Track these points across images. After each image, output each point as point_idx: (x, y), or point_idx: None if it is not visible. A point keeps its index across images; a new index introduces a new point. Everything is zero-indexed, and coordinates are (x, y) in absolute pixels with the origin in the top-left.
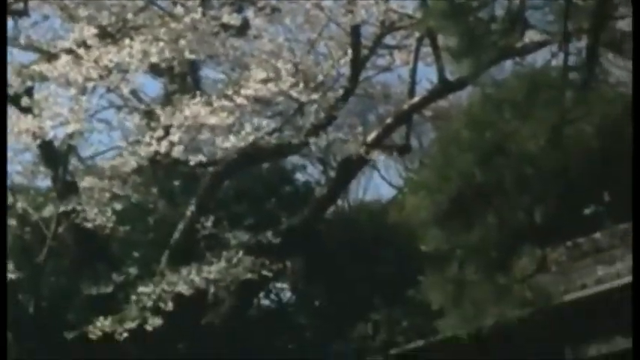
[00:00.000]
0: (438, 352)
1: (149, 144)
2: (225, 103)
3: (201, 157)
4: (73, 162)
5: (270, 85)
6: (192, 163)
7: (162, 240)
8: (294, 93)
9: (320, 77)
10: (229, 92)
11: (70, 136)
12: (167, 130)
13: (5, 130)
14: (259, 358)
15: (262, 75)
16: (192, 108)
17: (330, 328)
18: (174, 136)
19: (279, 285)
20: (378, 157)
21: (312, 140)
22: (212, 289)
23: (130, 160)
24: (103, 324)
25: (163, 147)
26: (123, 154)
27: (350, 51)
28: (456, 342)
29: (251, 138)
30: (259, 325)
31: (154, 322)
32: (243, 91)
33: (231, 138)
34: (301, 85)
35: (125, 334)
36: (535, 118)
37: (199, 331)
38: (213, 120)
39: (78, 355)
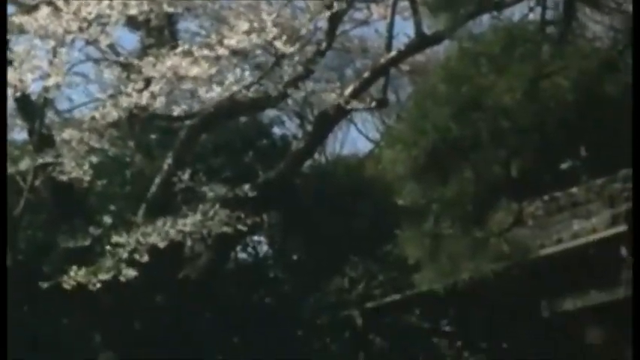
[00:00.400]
0: (414, 306)
1: (129, 95)
2: (207, 53)
3: (182, 109)
4: (50, 115)
5: (253, 36)
6: (174, 114)
7: (139, 193)
8: (277, 44)
9: (300, 30)
10: (212, 42)
11: (47, 89)
12: (147, 81)
13: (5, 130)
14: (236, 311)
15: (245, 26)
16: (174, 59)
17: (306, 282)
18: (155, 87)
19: (256, 239)
20: (355, 111)
21: (290, 91)
22: (188, 243)
23: (110, 111)
24: (77, 274)
25: (144, 99)
26: (102, 106)
27: (327, 4)
28: (432, 296)
29: (234, 88)
30: (236, 279)
31: (128, 273)
32: (225, 42)
33: (215, 88)
34: (284, 37)
35: (99, 285)
36: (512, 72)
37: (176, 284)
38: (194, 71)
39: (53, 305)
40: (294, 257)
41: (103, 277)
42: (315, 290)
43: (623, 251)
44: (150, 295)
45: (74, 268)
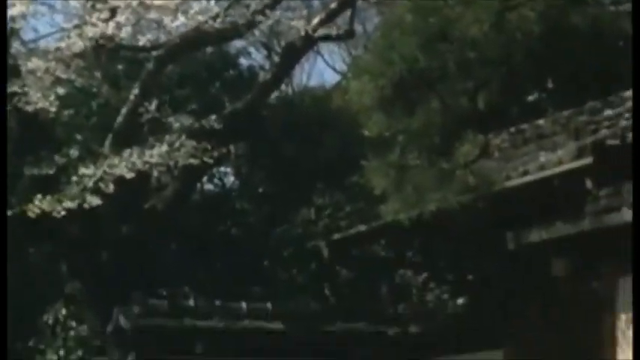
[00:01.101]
0: (380, 237)
1: (95, 25)
2: None
3: (149, 39)
4: (16, 45)
5: None
6: (140, 44)
7: (106, 124)
8: None
9: None
10: None
11: (13, 18)
12: (113, 11)
13: (5, 130)
14: (202, 243)
15: None
16: None
17: (273, 214)
18: (121, 17)
19: (222, 170)
20: (322, 42)
21: (258, 19)
22: (155, 174)
23: (76, 41)
24: (41, 202)
25: (110, 29)
26: (68, 37)
27: None
28: (397, 227)
29: (200, 18)
30: (202, 210)
31: (93, 201)
32: None
33: (181, 17)
34: None
35: (64, 213)
36: (479, 4)
37: (142, 215)
38: (160, 0)
39: (18, 233)
40: (261, 189)
41: (68, 205)
42: (282, 222)
43: (589, 183)
44: (116, 225)
45: (39, 196)
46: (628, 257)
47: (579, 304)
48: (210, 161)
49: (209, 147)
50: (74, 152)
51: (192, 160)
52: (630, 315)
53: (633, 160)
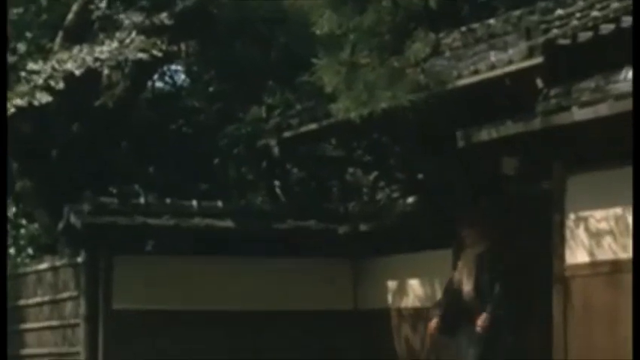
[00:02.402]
0: (330, 136)
1: None
2: None
3: None
4: None
5: None
6: None
7: (56, 21)
8: None
9: None
10: None
11: None
12: None
13: (6, 130)
14: (153, 140)
15: None
16: None
17: (223, 112)
18: None
19: (173, 68)
20: None
21: None
22: (105, 71)
23: None
24: None
25: None
26: None
27: None
28: (348, 125)
29: None
30: (153, 108)
31: (43, 97)
32: None
33: None
34: None
35: (13, 110)
36: None
37: (92, 112)
38: None
39: None
40: (211, 87)
41: (18, 102)
42: (232, 120)
43: (539, 83)
44: (66, 123)
45: None
46: (577, 157)
47: (528, 203)
48: (160, 55)
49: (159, 42)
50: (22, 48)
51: (142, 56)
52: (580, 213)
53: (633, 161)
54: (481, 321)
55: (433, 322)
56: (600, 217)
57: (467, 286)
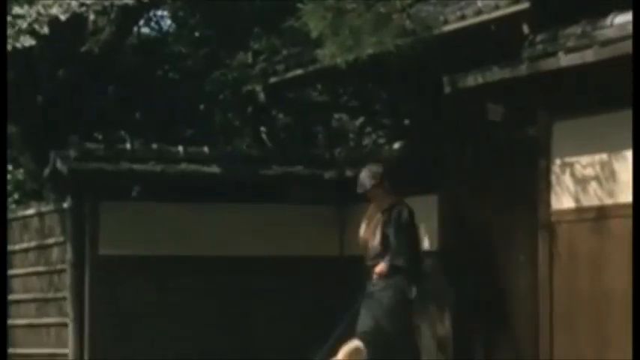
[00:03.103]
0: (316, 81)
1: None
2: None
3: None
4: None
5: None
6: None
7: None
8: None
9: None
10: None
11: None
12: None
13: (5, 130)
14: (139, 87)
15: None
16: None
17: (210, 57)
18: None
19: (159, 13)
20: None
21: None
22: (91, 16)
23: None
24: None
25: None
26: None
27: None
28: (334, 71)
29: None
30: (139, 54)
31: (26, 41)
32: None
33: None
34: None
35: None
36: None
37: (78, 58)
38: None
39: None
40: (197, 32)
41: None
42: (218, 65)
43: (525, 29)
44: (51, 68)
45: None
46: (563, 103)
47: (514, 150)
48: (146, 0)
49: None
50: None
51: (128, 1)
52: (566, 159)
53: (634, 160)
54: (379, 267)
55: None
56: (586, 163)
57: (374, 242)
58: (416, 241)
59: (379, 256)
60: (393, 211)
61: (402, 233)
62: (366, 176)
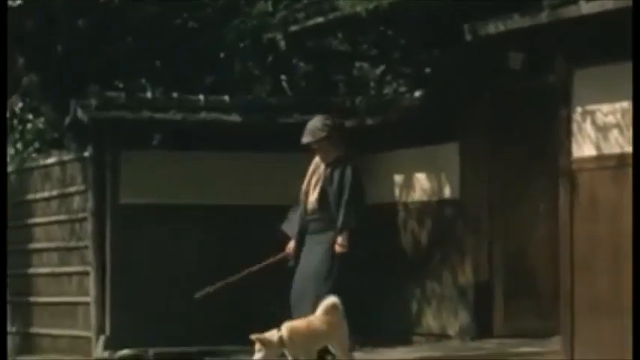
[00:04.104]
0: (336, 30)
1: None
2: None
3: None
4: None
5: None
6: None
7: None
8: None
9: None
10: None
11: None
12: None
13: (5, 130)
14: (158, 35)
15: None
16: None
17: (230, 5)
18: None
19: None
20: None
21: None
22: None
23: None
24: None
25: None
26: None
27: None
28: (355, 19)
29: None
30: (159, 3)
31: None
32: None
33: None
34: None
35: (19, 2)
36: None
37: (98, 8)
38: None
39: None
40: None
41: None
42: (238, 14)
43: None
44: (71, 18)
45: None
46: (583, 51)
47: (534, 98)
48: None
49: None
50: None
51: None
52: (587, 107)
53: (634, 160)
54: (340, 240)
55: (291, 244)
56: (607, 111)
57: (312, 197)
58: (360, 198)
59: (316, 212)
60: (336, 167)
61: (348, 191)
62: (314, 127)
